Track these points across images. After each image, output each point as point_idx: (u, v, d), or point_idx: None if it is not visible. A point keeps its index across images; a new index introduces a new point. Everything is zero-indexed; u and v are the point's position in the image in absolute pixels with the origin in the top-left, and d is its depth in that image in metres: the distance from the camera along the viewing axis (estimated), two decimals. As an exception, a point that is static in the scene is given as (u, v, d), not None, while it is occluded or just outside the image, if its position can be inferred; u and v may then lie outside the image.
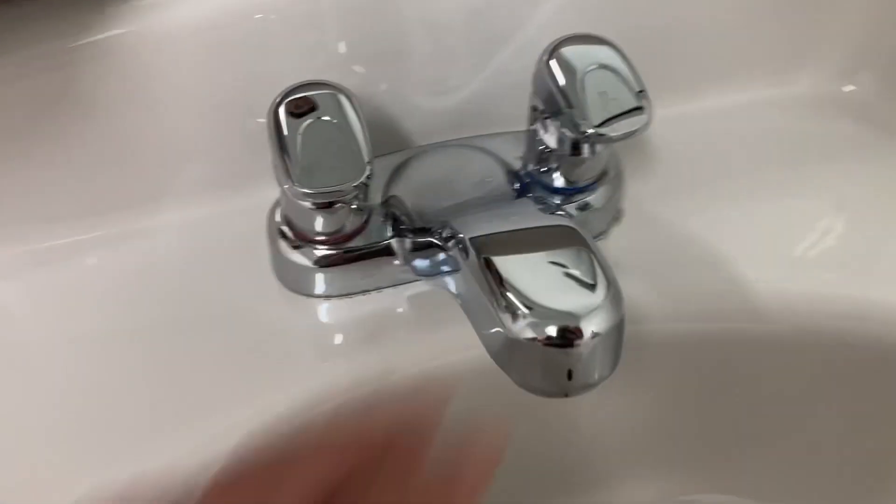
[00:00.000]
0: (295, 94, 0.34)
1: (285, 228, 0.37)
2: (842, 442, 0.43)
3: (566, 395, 0.27)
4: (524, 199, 0.35)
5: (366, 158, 0.33)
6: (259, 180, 0.40)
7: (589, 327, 0.26)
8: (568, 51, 0.35)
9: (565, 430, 0.43)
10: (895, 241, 0.41)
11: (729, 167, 0.43)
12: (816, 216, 0.42)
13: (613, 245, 0.40)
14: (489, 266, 0.28)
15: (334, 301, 0.39)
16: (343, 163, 0.32)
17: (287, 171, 0.32)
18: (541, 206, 0.32)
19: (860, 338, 0.39)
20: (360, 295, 0.39)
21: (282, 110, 0.34)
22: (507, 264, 0.28)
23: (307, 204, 0.34)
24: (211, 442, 0.35)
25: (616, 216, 0.41)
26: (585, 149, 0.36)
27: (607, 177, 0.39)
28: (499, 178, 0.37)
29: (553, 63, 0.34)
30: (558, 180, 0.38)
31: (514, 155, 0.39)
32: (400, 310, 0.39)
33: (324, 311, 0.39)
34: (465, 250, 0.29)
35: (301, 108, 0.34)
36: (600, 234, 0.40)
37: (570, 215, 0.30)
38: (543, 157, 0.37)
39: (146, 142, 0.40)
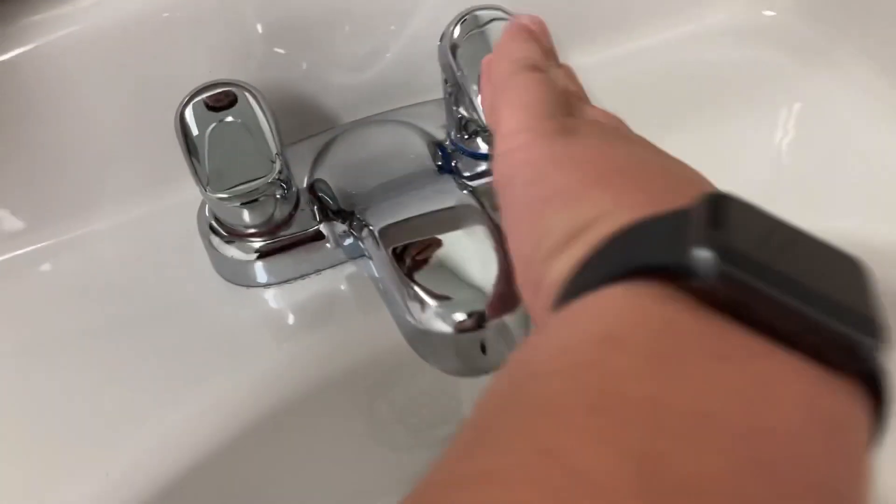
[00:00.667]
0: (199, 95, 0.34)
1: (215, 224, 0.38)
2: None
3: (485, 374, 0.28)
4: (446, 177, 0.35)
5: (274, 152, 0.33)
6: (187, 176, 0.40)
7: (492, 312, 0.26)
8: (465, 24, 0.34)
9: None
10: (828, 169, 0.41)
11: (659, 105, 0.43)
12: (750, 148, 0.42)
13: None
14: (397, 258, 0.28)
15: (276, 288, 0.39)
16: (252, 161, 0.32)
17: (198, 176, 0.32)
18: (459, 182, 0.32)
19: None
20: (300, 279, 0.39)
21: (188, 112, 0.34)
22: (412, 257, 0.28)
23: (227, 203, 0.34)
24: (176, 435, 0.36)
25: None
26: (502, 113, 0.36)
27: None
28: (421, 151, 0.37)
29: (444, 47, 0.34)
30: (482, 146, 0.38)
31: (437, 124, 0.39)
32: (343, 287, 0.39)
33: (268, 298, 0.39)
34: (376, 241, 0.30)
35: (206, 110, 0.34)
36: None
37: (478, 192, 0.30)
38: (464, 124, 0.37)
39: (73, 151, 0.40)
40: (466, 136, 0.38)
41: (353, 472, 0.44)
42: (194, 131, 0.33)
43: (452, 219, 0.29)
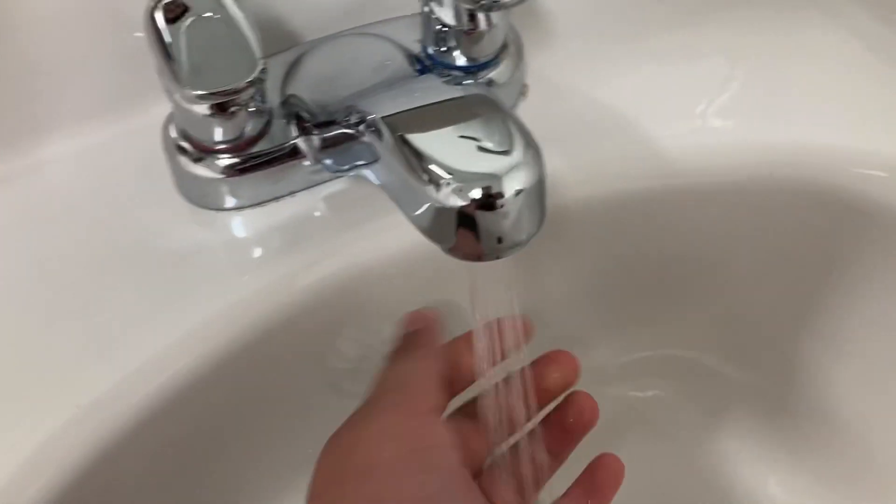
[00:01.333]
0: (167, -4, 0.31)
1: (183, 143, 0.35)
2: (762, 281, 0.44)
3: (497, 257, 0.27)
4: (429, 76, 0.34)
5: (257, 53, 0.31)
6: (145, 98, 0.38)
7: (511, 185, 0.26)
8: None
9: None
10: (790, 84, 0.42)
11: (626, 29, 0.43)
12: (715, 71, 0.43)
13: (522, 118, 0.40)
14: (405, 142, 0.27)
15: (247, 212, 0.37)
16: (233, 60, 0.30)
17: (175, 76, 0.30)
18: (446, 79, 0.31)
19: (767, 180, 0.41)
20: (272, 202, 0.37)
21: (158, 14, 0.31)
22: (423, 138, 0.27)
23: (202, 110, 0.32)
24: (142, 370, 0.34)
25: (521, 91, 0.40)
26: (481, 21, 0.35)
27: (508, 51, 0.38)
28: (399, 62, 0.36)
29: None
30: (459, 59, 0.37)
31: (412, 38, 0.37)
32: (317, 213, 0.38)
33: (237, 223, 0.37)
34: (377, 132, 0.28)
35: (178, 9, 0.32)
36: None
37: (478, 84, 0.29)
38: (441, 36, 0.36)
39: (20, 72, 0.37)
40: (444, 49, 0.37)
41: (319, 409, 0.43)
42: (166, 32, 0.31)
43: (462, 106, 0.28)
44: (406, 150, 0.27)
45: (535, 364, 0.34)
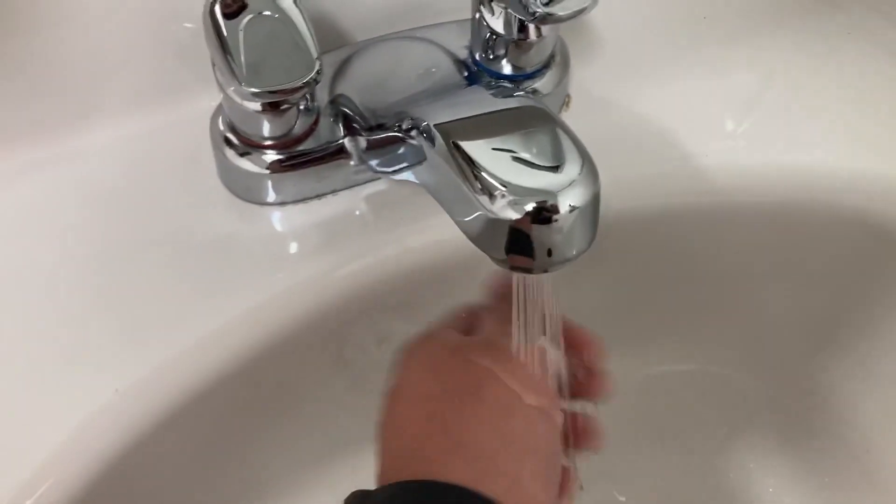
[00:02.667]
0: (227, -10, 0.32)
1: (230, 135, 0.36)
2: (791, 301, 0.44)
3: (545, 271, 0.27)
4: (476, 86, 0.34)
5: (314, 53, 0.31)
6: (193, 89, 0.38)
7: (566, 201, 0.26)
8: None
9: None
10: (829, 106, 0.42)
11: (670, 42, 0.43)
12: (759, 88, 0.43)
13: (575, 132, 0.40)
14: (459, 150, 0.27)
15: (289, 207, 0.38)
16: (290, 59, 0.31)
17: (233, 72, 0.31)
18: (493, 91, 0.32)
19: (804, 202, 0.41)
20: (314, 200, 0.38)
21: (217, 9, 0.32)
22: (477, 147, 0.27)
23: (254, 106, 0.33)
24: (178, 359, 0.34)
25: (565, 102, 0.41)
26: (532, 32, 0.36)
27: (554, 61, 0.39)
28: (447, 68, 0.36)
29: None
30: (506, 67, 0.37)
31: (460, 44, 0.38)
32: (358, 212, 0.38)
33: (278, 218, 0.38)
34: (430, 138, 0.29)
35: (235, 6, 0.32)
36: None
37: (529, 95, 0.29)
38: (490, 44, 0.36)
39: (68, 57, 0.37)
40: (492, 57, 0.37)
41: (350, 409, 0.43)
42: (225, 27, 0.31)
43: (516, 116, 0.28)
44: (459, 158, 0.27)
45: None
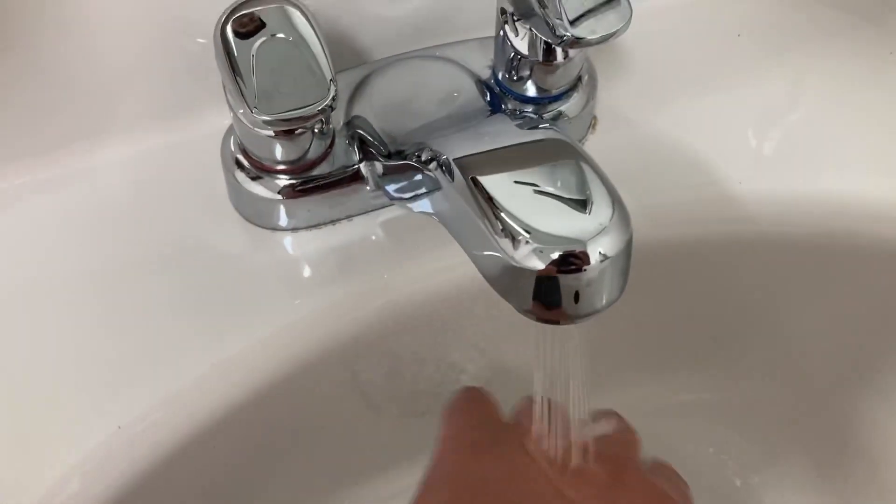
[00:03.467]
0: (242, 9, 0.30)
1: (242, 158, 0.34)
2: (824, 338, 0.43)
3: (573, 322, 0.25)
4: (499, 115, 0.32)
5: (328, 77, 0.30)
6: (206, 107, 0.37)
7: (596, 249, 0.24)
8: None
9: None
10: (876, 133, 0.40)
11: (702, 62, 0.42)
12: (795, 110, 0.41)
13: (590, 153, 0.38)
14: (479, 187, 0.26)
15: (302, 233, 0.36)
16: (304, 84, 0.29)
17: (243, 97, 0.29)
18: (518, 122, 0.30)
19: (841, 235, 0.39)
20: (328, 225, 0.36)
21: (229, 29, 0.30)
22: (498, 185, 0.25)
23: (266, 132, 0.31)
24: (185, 388, 0.33)
25: (592, 123, 0.39)
26: (559, 53, 0.34)
27: (581, 83, 0.37)
28: (468, 91, 0.35)
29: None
30: (531, 89, 0.35)
31: (483, 64, 0.36)
32: (374, 237, 0.36)
33: (291, 244, 0.36)
34: (449, 172, 0.27)
35: (250, 26, 0.31)
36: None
37: (555, 127, 0.28)
38: (514, 64, 0.35)
39: (78, 73, 0.36)
40: (516, 78, 0.35)
41: (363, 438, 0.42)
42: (236, 49, 0.30)
43: (542, 152, 0.27)
44: (480, 197, 0.25)
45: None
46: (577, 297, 0.24)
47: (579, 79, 0.37)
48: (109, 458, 0.31)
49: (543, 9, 0.31)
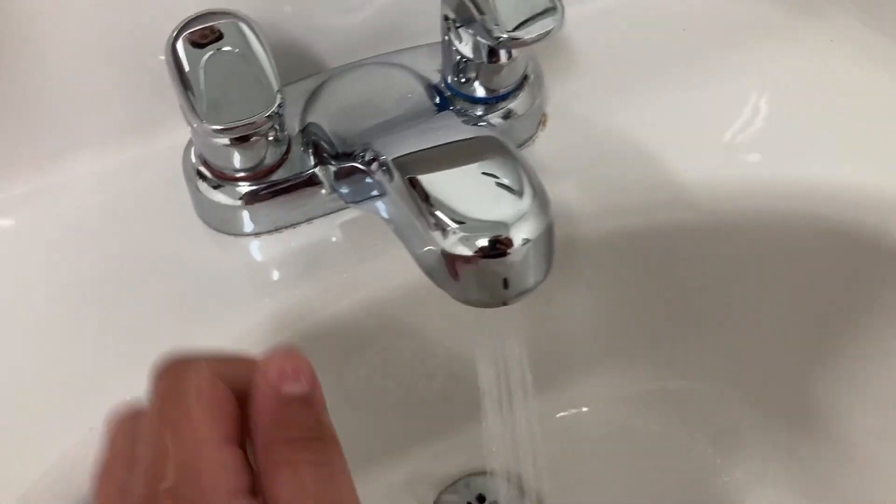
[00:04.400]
0: (192, 25, 0.32)
1: (203, 168, 0.36)
2: (781, 318, 0.44)
3: (504, 304, 0.27)
4: (446, 112, 0.34)
5: (275, 87, 0.31)
6: (168, 120, 0.38)
7: (519, 234, 0.26)
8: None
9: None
10: (818, 118, 0.42)
11: (649, 58, 0.43)
12: (740, 100, 0.42)
13: (541, 149, 0.40)
14: (414, 185, 0.27)
15: (265, 237, 0.38)
16: (251, 94, 0.31)
17: (193, 109, 0.31)
18: (464, 118, 0.31)
19: (793, 218, 0.40)
20: (290, 228, 0.38)
21: (180, 44, 0.32)
22: (431, 182, 0.27)
23: (221, 140, 0.33)
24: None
25: (542, 120, 0.40)
26: (502, 55, 0.35)
27: (528, 81, 0.38)
28: (418, 94, 0.36)
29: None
30: (479, 90, 0.37)
31: (432, 68, 0.38)
32: (334, 238, 0.38)
33: (255, 248, 0.38)
34: (388, 172, 0.29)
35: (201, 40, 0.32)
36: (527, 140, 0.40)
37: (492, 125, 0.29)
38: (461, 67, 0.36)
39: (43, 92, 0.37)
40: (463, 80, 0.37)
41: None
42: (186, 63, 0.31)
43: (471, 149, 0.28)
44: (414, 193, 0.27)
45: None
46: (505, 280, 0.26)
47: (525, 78, 0.38)
48: (83, 459, 0.32)
49: (482, 15, 0.33)
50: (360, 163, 0.31)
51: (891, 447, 0.43)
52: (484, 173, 0.27)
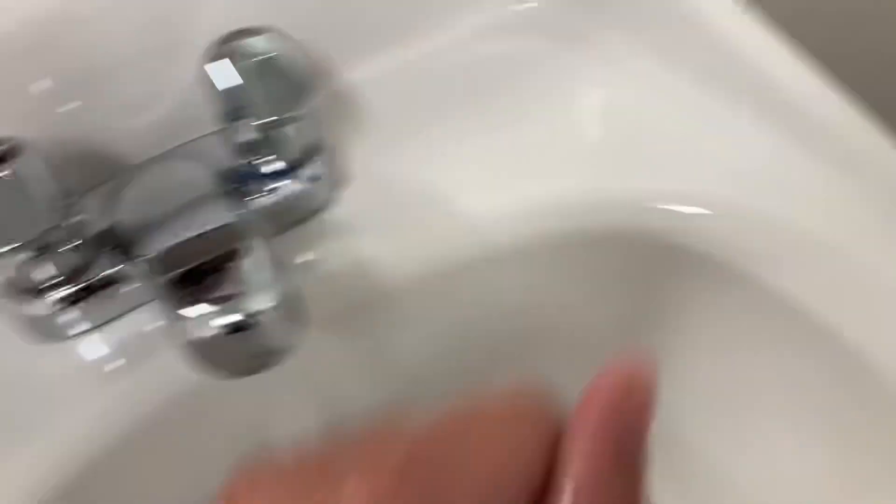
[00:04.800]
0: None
1: (10, 288, 0.38)
2: (599, 335, 0.46)
3: (260, 371, 0.29)
4: (219, 201, 0.36)
5: (42, 207, 0.34)
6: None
7: (254, 307, 0.28)
8: (226, 49, 0.36)
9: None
10: (604, 139, 0.44)
11: (439, 108, 0.45)
12: (533, 134, 0.44)
13: (343, 211, 0.42)
14: (164, 281, 0.30)
15: (89, 335, 0.40)
16: (18, 219, 0.33)
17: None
18: (235, 204, 0.34)
19: (583, 233, 0.43)
20: (114, 321, 0.40)
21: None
22: (172, 276, 0.30)
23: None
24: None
25: (336, 183, 0.43)
26: (277, 133, 0.38)
27: (318, 150, 0.41)
28: (206, 183, 0.38)
29: (211, 68, 0.35)
30: (266, 166, 0.39)
31: (221, 154, 0.40)
32: (160, 322, 0.40)
33: (83, 349, 0.40)
34: (148, 274, 0.31)
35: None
36: (325, 205, 0.42)
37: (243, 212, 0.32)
38: (244, 149, 0.39)
39: None
40: (249, 162, 0.39)
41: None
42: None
43: (215, 238, 0.31)
44: (160, 288, 0.30)
45: None
46: (248, 352, 0.28)
47: (315, 147, 0.41)
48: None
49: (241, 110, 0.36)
50: (130, 265, 0.33)
51: (720, 438, 0.45)
52: (221, 260, 0.29)
